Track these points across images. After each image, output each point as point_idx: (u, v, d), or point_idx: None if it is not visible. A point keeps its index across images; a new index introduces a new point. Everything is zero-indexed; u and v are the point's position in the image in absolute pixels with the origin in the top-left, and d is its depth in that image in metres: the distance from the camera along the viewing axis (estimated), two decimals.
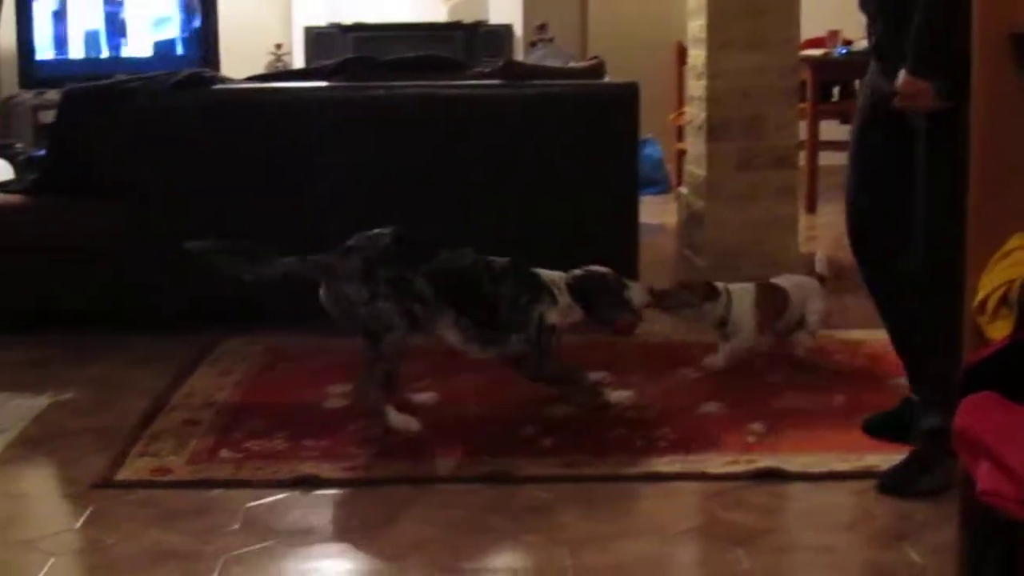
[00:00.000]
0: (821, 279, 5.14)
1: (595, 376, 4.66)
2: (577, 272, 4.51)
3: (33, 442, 4.28)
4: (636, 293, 4.63)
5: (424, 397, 4.54)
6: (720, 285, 4.97)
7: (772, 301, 4.98)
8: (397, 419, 4.21)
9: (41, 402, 4.66)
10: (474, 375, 4.78)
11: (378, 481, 3.84)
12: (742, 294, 4.95)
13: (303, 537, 3.46)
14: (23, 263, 5.80)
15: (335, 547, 3.45)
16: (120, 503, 3.72)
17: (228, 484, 3.83)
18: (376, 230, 4.29)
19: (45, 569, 3.26)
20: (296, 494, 3.74)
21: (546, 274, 4.46)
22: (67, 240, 5.77)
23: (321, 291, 4.29)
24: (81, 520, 3.60)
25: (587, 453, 4.06)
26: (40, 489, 4.06)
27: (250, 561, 3.30)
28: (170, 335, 5.44)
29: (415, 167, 5.78)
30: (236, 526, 3.52)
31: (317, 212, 5.64)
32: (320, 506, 3.69)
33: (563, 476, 3.88)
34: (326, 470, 3.92)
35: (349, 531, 3.54)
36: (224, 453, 4.09)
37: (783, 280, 5.11)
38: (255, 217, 5.68)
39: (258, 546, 3.37)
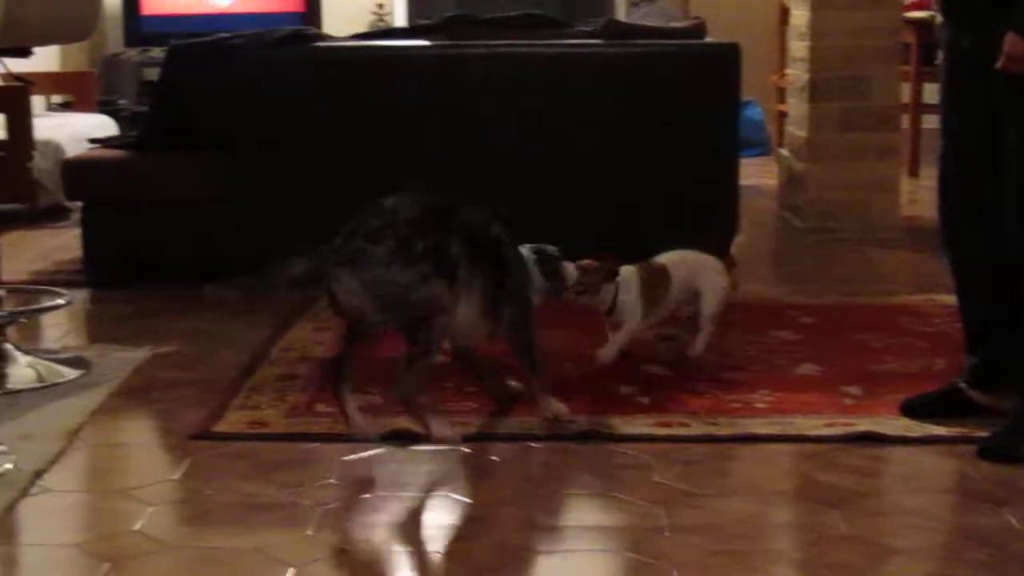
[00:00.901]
0: (732, 261, 4.74)
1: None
2: (532, 246, 4.20)
3: (133, 393, 4.33)
4: (569, 270, 4.35)
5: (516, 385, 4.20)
6: (624, 268, 4.54)
7: (653, 282, 4.57)
8: (441, 429, 3.82)
9: (142, 354, 4.71)
10: (569, 332, 4.77)
11: (473, 437, 3.84)
12: (628, 278, 4.52)
13: (398, 490, 3.47)
14: (127, 217, 5.87)
15: (429, 501, 3.46)
16: (217, 455, 3.75)
17: (324, 438, 3.86)
18: (388, 200, 3.84)
19: (144, 518, 3.29)
20: (391, 448, 3.75)
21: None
22: (170, 194, 5.84)
23: (338, 285, 3.76)
24: (179, 471, 3.64)
25: (683, 413, 4.05)
26: (139, 440, 4.11)
27: (345, 513, 3.31)
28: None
29: (513, 126, 5.78)
30: (332, 479, 3.54)
31: (413, 169, 5.65)
32: (415, 460, 3.70)
33: (659, 436, 3.87)
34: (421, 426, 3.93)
35: (443, 485, 3.55)
36: (320, 407, 4.12)
37: (667, 257, 4.67)
38: (352, 171, 5.71)
39: (353, 499, 3.39)
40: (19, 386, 4.41)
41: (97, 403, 4.20)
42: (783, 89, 8.73)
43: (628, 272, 4.54)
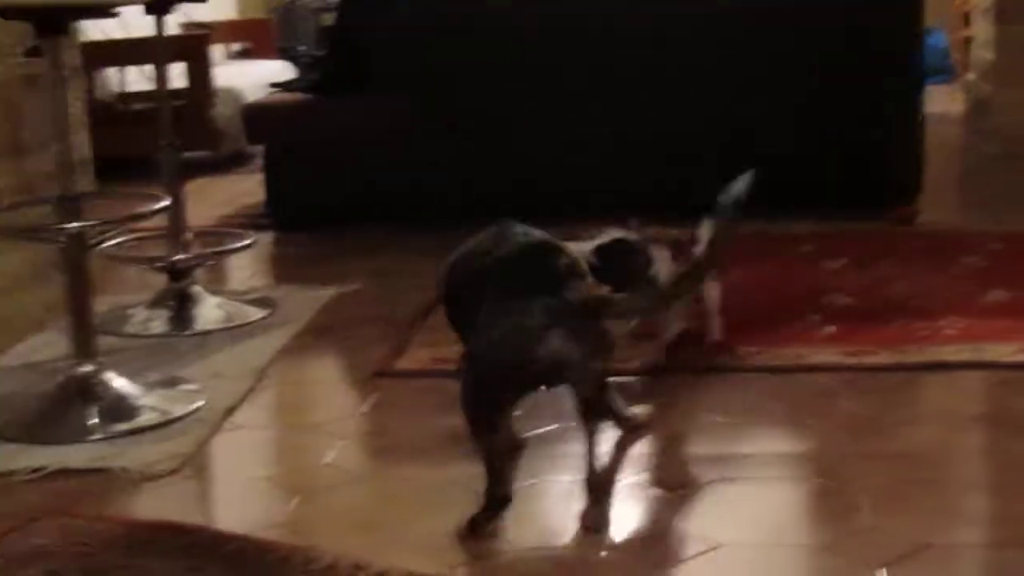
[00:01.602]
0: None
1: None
2: (598, 242, 3.32)
3: (320, 331, 4.39)
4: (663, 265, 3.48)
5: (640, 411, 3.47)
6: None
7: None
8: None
9: (327, 293, 4.77)
10: (754, 266, 4.73)
11: (663, 369, 3.83)
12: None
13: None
14: (307, 160, 5.94)
15: (615, 432, 3.44)
16: (403, 390, 3.78)
17: None
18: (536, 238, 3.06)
19: (334, 452, 3.33)
20: None
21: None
22: (349, 136, 5.88)
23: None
24: (366, 406, 3.68)
25: (870, 342, 3.99)
26: (326, 377, 4.16)
27: (543, 443, 3.31)
28: (452, 228, 5.48)
29: (690, 62, 5.73)
30: (518, 412, 3.54)
31: (582, 110, 5.64)
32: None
33: (846, 365, 3.82)
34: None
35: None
36: None
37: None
38: (525, 108, 5.72)
39: (544, 429, 3.39)
40: (208, 327, 4.49)
41: (284, 342, 4.26)
42: (968, 13, 8.53)
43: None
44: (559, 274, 2.88)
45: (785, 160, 5.58)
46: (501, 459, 2.85)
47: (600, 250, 3.26)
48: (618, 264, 3.25)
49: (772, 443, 3.38)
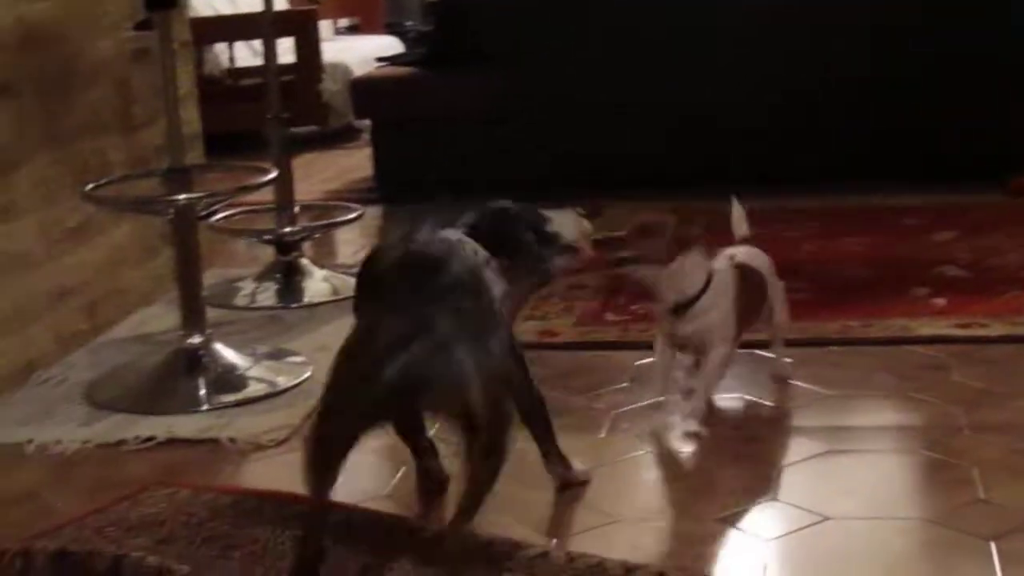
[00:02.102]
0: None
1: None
2: (472, 216, 2.85)
3: None
4: (565, 223, 2.94)
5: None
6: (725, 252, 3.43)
7: (749, 284, 3.41)
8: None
9: None
10: (857, 237, 4.69)
11: (766, 343, 3.79)
12: (724, 269, 3.34)
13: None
14: (415, 134, 5.95)
15: (723, 403, 3.42)
16: None
17: (615, 345, 3.86)
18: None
19: (437, 424, 3.34)
20: (681, 354, 3.72)
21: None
22: (456, 111, 5.89)
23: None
24: None
25: (981, 314, 3.93)
26: None
27: (640, 415, 3.31)
28: (556, 201, 5.47)
29: (800, 34, 5.66)
30: (625, 384, 3.54)
31: (691, 86, 5.60)
32: None
33: (957, 337, 3.77)
34: None
35: (740, 388, 3.50)
36: (610, 316, 4.12)
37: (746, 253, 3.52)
38: (633, 86, 5.69)
39: (647, 402, 3.38)
40: (315, 299, 4.52)
41: None
42: None
43: (726, 260, 3.38)
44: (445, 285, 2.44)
45: (901, 133, 5.53)
46: (318, 516, 2.45)
47: (479, 224, 2.79)
48: (502, 235, 2.79)
49: (881, 415, 3.34)
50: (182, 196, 3.68)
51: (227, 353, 3.76)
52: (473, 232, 2.74)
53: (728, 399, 3.44)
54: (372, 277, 2.62)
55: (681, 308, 3.21)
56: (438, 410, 2.52)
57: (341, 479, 2.40)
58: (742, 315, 3.29)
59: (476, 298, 2.49)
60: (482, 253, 2.66)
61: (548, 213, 2.91)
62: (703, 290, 3.20)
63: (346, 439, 2.41)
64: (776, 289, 3.51)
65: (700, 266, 3.22)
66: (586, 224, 2.96)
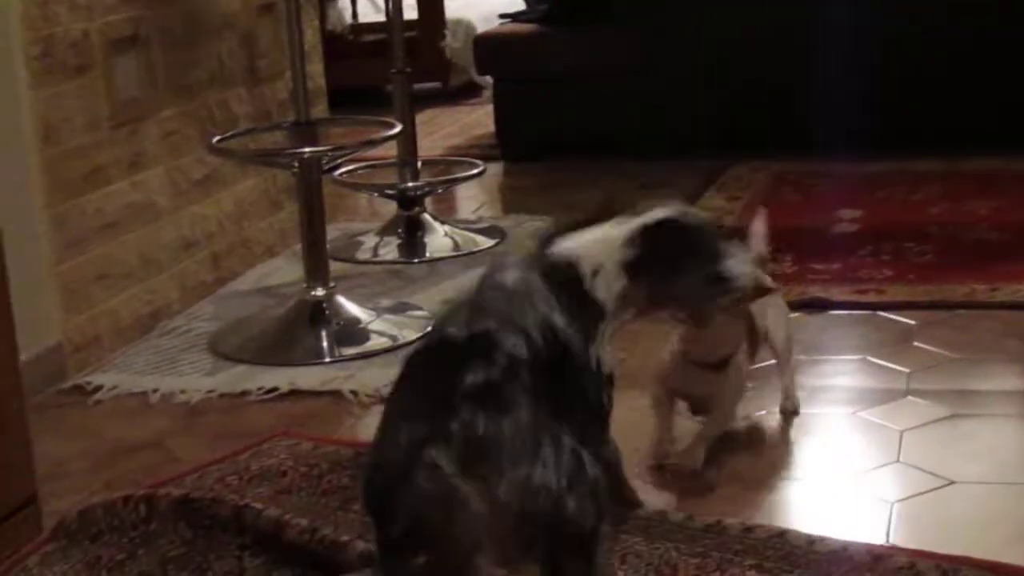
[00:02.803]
0: None
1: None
2: (628, 227, 2.24)
3: None
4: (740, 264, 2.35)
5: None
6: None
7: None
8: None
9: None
10: (983, 201, 4.62)
11: (889, 305, 3.75)
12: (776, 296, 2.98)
13: (813, 354, 3.42)
14: (537, 91, 5.94)
15: (845, 365, 3.40)
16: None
17: None
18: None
19: None
20: (804, 315, 3.69)
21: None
22: (578, 67, 5.86)
23: None
24: None
25: None
26: None
27: (763, 377, 3.28)
28: (680, 161, 5.47)
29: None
30: None
31: (827, 44, 5.52)
32: (830, 327, 3.65)
33: None
34: (835, 293, 3.86)
35: (862, 349, 3.47)
36: None
37: None
38: (764, 43, 5.62)
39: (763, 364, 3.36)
40: (437, 254, 4.53)
41: None
42: None
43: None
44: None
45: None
46: None
47: (644, 234, 2.23)
48: (665, 250, 2.24)
49: (1008, 380, 3.29)
50: (307, 149, 3.70)
51: (350, 306, 3.78)
52: (626, 256, 2.20)
53: (849, 360, 3.41)
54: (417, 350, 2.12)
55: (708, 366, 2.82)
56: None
57: None
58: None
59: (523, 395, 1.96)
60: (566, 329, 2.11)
61: (726, 245, 2.35)
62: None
63: None
64: (777, 311, 3.05)
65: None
66: (759, 274, 2.49)
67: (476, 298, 2.13)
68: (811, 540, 2.40)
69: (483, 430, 1.90)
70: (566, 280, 2.17)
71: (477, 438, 1.89)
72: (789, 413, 3.07)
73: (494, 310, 2.06)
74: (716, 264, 2.29)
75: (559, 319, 2.10)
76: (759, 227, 3.01)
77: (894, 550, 2.37)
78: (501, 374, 1.96)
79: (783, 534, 2.43)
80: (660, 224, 2.25)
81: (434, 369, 2.02)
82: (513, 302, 2.09)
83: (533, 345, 2.03)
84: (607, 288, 2.19)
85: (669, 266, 2.26)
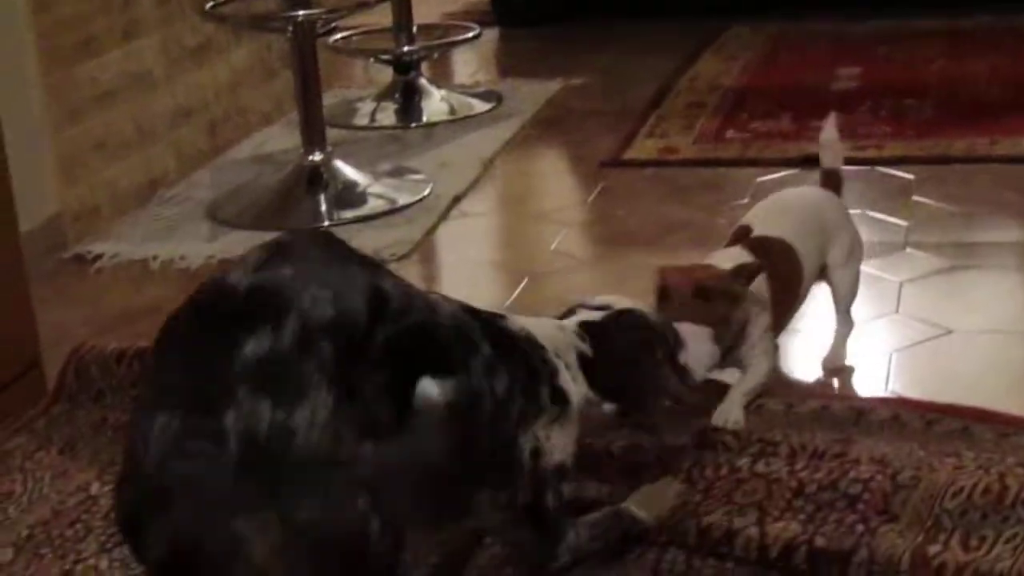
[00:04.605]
0: None
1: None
2: (588, 315, 2.05)
3: (546, 123, 4.38)
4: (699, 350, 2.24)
5: None
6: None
7: (783, 277, 2.52)
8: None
9: (552, 87, 4.74)
10: (984, 57, 4.59)
11: (889, 160, 3.74)
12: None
13: None
14: None
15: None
16: (629, 180, 3.77)
17: (735, 163, 3.83)
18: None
19: (559, 238, 3.34)
20: (803, 172, 3.68)
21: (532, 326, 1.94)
22: None
23: None
24: (592, 195, 3.67)
25: None
26: (552, 167, 4.17)
27: None
28: (677, 23, 5.44)
29: None
30: (746, 200, 3.50)
31: None
32: None
33: None
34: None
35: (861, 204, 3.45)
36: (730, 133, 4.08)
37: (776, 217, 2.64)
38: None
39: None
40: (434, 119, 4.51)
41: (510, 133, 4.26)
42: None
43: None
44: None
45: None
46: None
47: (593, 327, 2.02)
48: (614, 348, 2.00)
49: (1006, 232, 3.28)
50: (301, 12, 3.67)
51: (347, 171, 3.78)
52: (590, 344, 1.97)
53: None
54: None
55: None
56: None
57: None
58: None
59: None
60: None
61: (681, 330, 2.16)
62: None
63: None
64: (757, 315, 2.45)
65: None
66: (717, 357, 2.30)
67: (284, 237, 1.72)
68: (790, 404, 2.38)
69: (268, 424, 1.48)
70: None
71: (260, 436, 1.47)
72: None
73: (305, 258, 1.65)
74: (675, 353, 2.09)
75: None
76: (831, 132, 2.79)
77: (877, 402, 2.38)
78: (291, 343, 1.53)
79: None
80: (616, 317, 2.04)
81: (202, 333, 1.56)
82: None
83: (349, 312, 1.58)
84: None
85: (625, 360, 2.00)
